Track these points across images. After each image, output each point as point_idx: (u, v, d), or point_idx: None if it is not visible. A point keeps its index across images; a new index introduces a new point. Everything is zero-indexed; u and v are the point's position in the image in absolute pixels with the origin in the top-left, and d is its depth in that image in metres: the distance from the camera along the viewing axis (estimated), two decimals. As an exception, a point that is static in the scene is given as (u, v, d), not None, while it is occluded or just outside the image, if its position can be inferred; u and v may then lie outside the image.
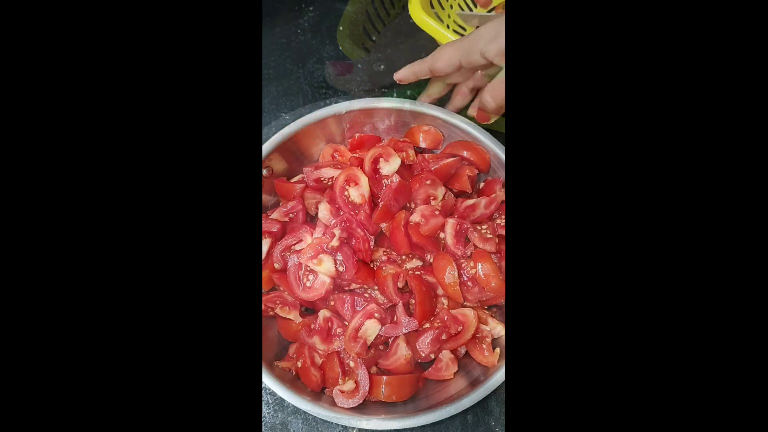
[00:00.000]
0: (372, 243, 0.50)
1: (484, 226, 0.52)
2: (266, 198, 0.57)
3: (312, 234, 0.51)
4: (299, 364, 0.50)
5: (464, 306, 0.50)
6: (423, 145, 0.57)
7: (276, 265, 0.52)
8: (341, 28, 0.66)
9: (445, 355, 0.50)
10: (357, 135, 0.57)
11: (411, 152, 0.54)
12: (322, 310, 0.50)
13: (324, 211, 0.51)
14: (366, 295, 0.50)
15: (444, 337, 0.49)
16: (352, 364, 0.49)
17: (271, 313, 0.53)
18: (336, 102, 0.62)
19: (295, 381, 0.50)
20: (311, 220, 0.55)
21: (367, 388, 0.48)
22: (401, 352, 0.48)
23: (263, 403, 0.54)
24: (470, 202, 0.52)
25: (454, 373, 0.50)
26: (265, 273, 0.52)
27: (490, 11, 0.71)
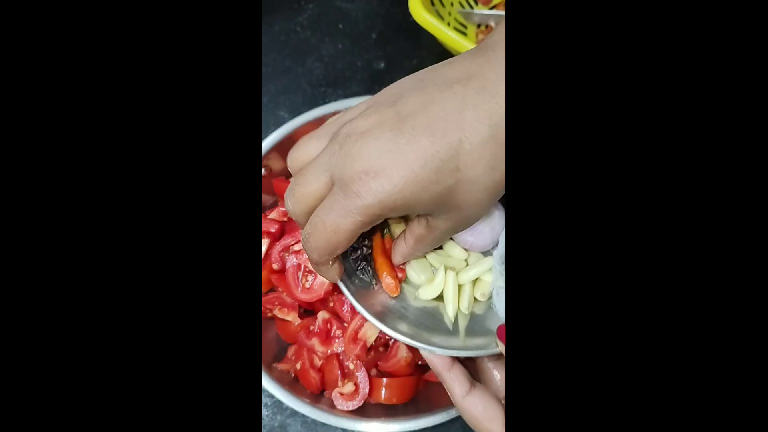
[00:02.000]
0: (372, 243, 0.50)
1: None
2: (265, 198, 0.56)
3: (311, 234, 0.50)
4: (298, 366, 0.50)
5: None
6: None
7: (274, 266, 0.51)
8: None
9: (446, 356, 0.50)
10: (357, 134, 0.57)
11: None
12: (321, 312, 0.50)
13: (323, 211, 0.50)
14: (366, 296, 0.50)
15: (445, 338, 0.49)
16: (351, 366, 0.48)
17: (269, 314, 0.52)
18: (335, 100, 0.62)
19: (294, 383, 0.49)
20: (310, 220, 0.55)
21: (366, 390, 0.47)
22: (401, 354, 0.48)
23: (262, 405, 0.54)
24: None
25: (455, 375, 0.50)
26: (263, 274, 0.51)
27: (491, 9, 0.71)
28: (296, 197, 0.30)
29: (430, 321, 0.38)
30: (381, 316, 0.36)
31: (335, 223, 0.28)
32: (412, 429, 0.45)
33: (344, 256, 0.38)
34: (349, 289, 0.37)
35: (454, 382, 0.33)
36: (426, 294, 0.39)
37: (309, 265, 0.48)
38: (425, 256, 0.41)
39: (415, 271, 0.40)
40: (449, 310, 0.39)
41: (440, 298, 0.40)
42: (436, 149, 0.26)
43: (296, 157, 0.32)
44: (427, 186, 0.26)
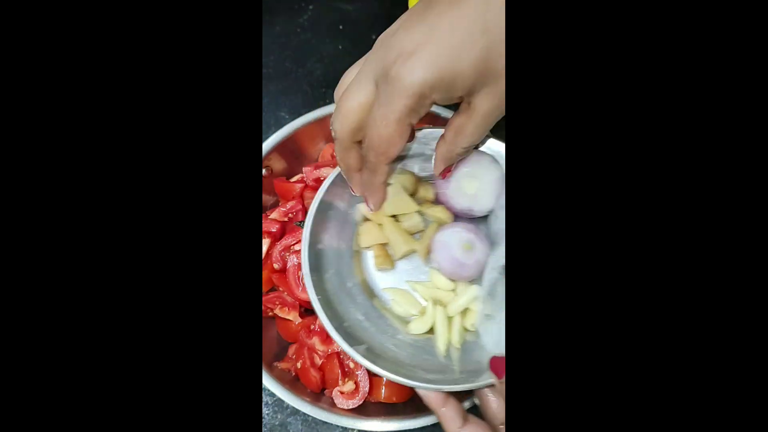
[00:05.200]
0: (372, 243, 0.50)
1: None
2: (265, 198, 0.57)
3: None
4: (299, 365, 0.50)
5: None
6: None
7: (275, 266, 0.51)
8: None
9: (446, 355, 0.50)
10: (357, 134, 0.57)
11: (411, 152, 0.54)
12: (321, 311, 0.50)
13: (324, 211, 0.50)
14: (366, 295, 0.50)
15: (444, 337, 0.49)
16: (351, 365, 0.49)
17: (270, 313, 0.53)
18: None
19: (294, 382, 0.49)
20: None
21: (366, 389, 0.48)
22: (401, 352, 0.48)
23: (262, 404, 0.54)
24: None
25: (455, 374, 0.50)
26: (264, 273, 0.52)
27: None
28: (342, 113, 0.31)
29: (423, 355, 0.39)
30: (374, 358, 0.37)
31: (385, 116, 0.29)
32: (412, 427, 0.45)
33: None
34: (338, 331, 0.38)
35: (448, 418, 0.35)
36: (416, 329, 0.40)
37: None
38: (411, 291, 0.42)
39: (401, 306, 0.41)
40: (440, 345, 0.39)
41: (431, 330, 0.41)
42: (461, 15, 0.26)
43: (341, 85, 0.33)
44: (460, 53, 0.27)
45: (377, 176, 0.35)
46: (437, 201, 0.43)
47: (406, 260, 0.43)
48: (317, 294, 0.39)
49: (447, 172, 0.38)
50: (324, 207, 0.42)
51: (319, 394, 0.49)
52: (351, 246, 0.43)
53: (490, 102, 0.29)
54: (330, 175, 0.42)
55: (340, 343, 0.37)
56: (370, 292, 0.42)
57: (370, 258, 0.43)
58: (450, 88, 0.28)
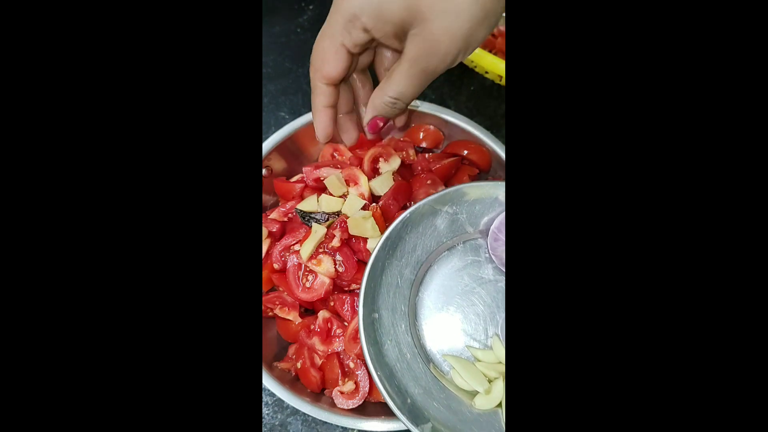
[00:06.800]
0: (372, 243, 0.50)
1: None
2: (266, 198, 0.57)
3: (311, 234, 0.51)
4: (299, 365, 0.50)
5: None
6: (423, 144, 0.56)
7: (275, 266, 0.51)
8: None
9: (446, 355, 0.50)
10: (357, 134, 0.57)
11: (411, 152, 0.54)
12: (321, 311, 0.50)
13: (324, 211, 0.50)
14: (366, 295, 0.50)
15: (444, 337, 0.49)
16: (351, 365, 0.49)
17: (270, 313, 0.53)
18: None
19: (294, 382, 0.49)
20: (311, 219, 0.55)
21: (367, 389, 0.48)
22: (401, 352, 0.48)
23: (262, 403, 0.54)
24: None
25: (455, 374, 0.50)
26: (264, 273, 0.52)
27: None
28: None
29: (490, 429, 0.39)
30: None
31: (323, 31, 0.34)
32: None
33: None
34: (401, 410, 0.37)
35: None
36: (483, 405, 0.39)
37: (309, 264, 0.48)
38: (475, 365, 0.41)
39: (465, 380, 0.40)
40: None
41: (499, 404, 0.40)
42: None
43: None
44: None
45: (316, 96, 0.37)
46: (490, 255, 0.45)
47: (462, 321, 0.43)
48: (377, 370, 0.38)
49: (375, 127, 0.37)
50: (375, 272, 0.42)
51: (319, 394, 0.49)
52: (405, 309, 0.43)
53: (416, 47, 0.31)
54: (380, 239, 0.43)
55: (407, 423, 0.37)
56: (426, 358, 0.41)
57: (425, 318, 0.42)
58: (378, 16, 0.30)
